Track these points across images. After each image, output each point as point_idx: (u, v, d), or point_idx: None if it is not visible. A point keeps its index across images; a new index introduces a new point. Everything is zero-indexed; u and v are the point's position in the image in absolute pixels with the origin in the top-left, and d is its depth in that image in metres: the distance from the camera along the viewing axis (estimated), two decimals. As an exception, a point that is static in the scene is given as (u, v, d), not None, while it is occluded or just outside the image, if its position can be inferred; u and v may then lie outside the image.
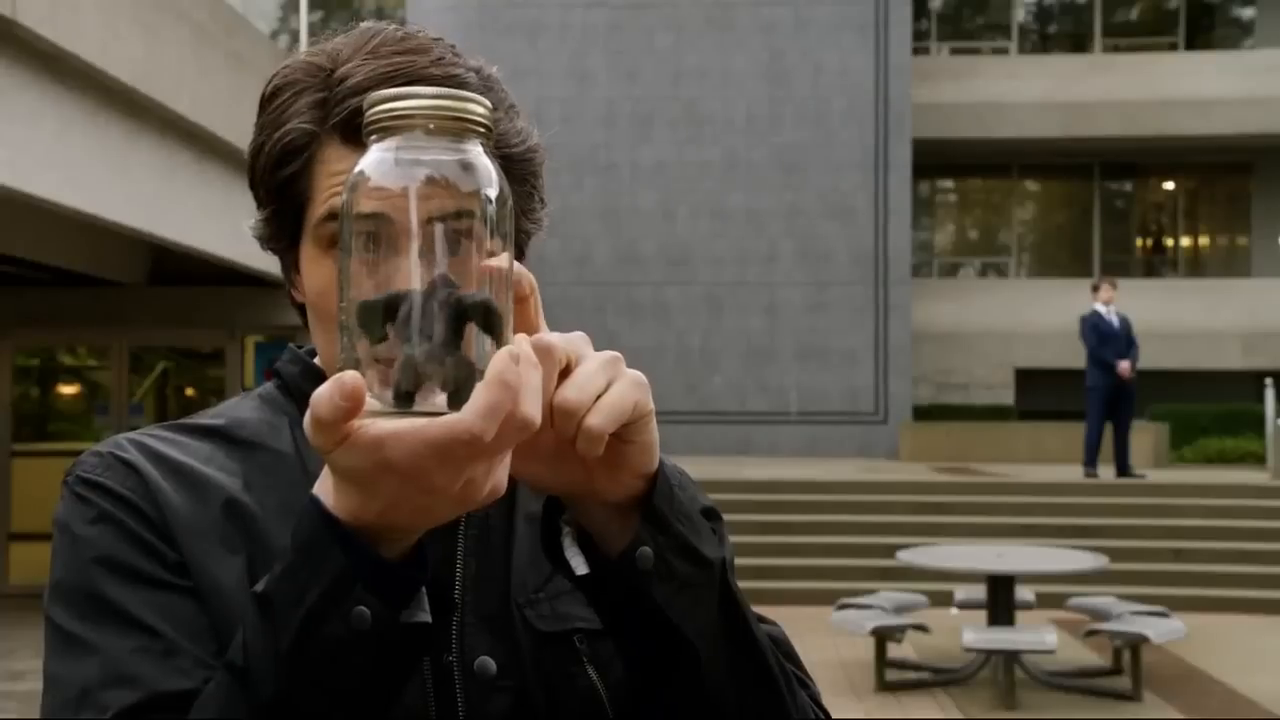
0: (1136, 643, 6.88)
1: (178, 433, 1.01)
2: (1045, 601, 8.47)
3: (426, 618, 0.78)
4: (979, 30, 21.85)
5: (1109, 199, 21.62)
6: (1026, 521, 10.80)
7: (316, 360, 1.05)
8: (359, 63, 0.93)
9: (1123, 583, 9.37)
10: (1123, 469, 11.96)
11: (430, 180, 0.68)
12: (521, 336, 0.73)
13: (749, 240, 17.94)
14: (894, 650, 7.48)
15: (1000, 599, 7.31)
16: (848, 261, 17.90)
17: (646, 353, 17.84)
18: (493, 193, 0.70)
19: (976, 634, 6.93)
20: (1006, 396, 19.01)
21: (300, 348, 1.09)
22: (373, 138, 0.70)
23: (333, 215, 0.92)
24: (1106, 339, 11.35)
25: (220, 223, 9.47)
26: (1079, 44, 21.41)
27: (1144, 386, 16.44)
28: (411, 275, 0.68)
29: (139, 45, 7.88)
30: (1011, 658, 6.87)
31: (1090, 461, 11.90)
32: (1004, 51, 21.09)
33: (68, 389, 14.30)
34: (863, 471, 13.40)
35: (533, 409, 0.70)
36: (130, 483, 0.94)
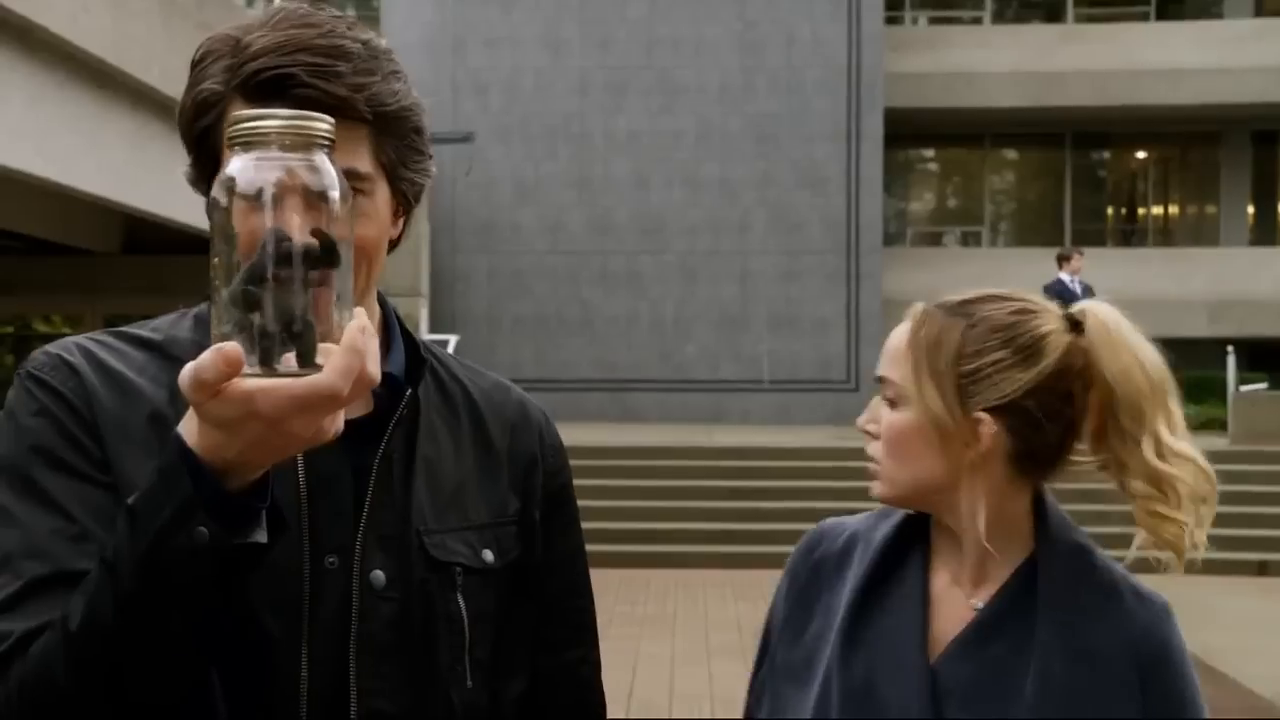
0: (1081, 601, 7.12)
1: (121, 340, 1.17)
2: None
3: (262, 538, 0.94)
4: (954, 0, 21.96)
5: (1080, 169, 21.82)
6: (987, 486, 11.02)
7: None
8: (261, 34, 1.09)
9: (1078, 545, 9.60)
10: (1083, 435, 12.18)
11: (282, 182, 0.84)
12: (361, 310, 0.89)
13: (722, 209, 18.08)
14: (851, 610, 7.70)
15: (953, 559, 7.52)
16: (820, 231, 18.07)
17: (620, 321, 18.01)
18: (335, 192, 0.85)
19: (927, 593, 7.15)
20: (977, 364, 19.23)
21: None
22: (236, 149, 0.85)
23: None
24: (1068, 308, 11.53)
25: (192, 192, 9.54)
26: (1052, 13, 21.53)
27: (1111, 354, 16.62)
28: (268, 260, 0.83)
29: (108, 17, 7.97)
30: (961, 616, 7.09)
31: (1052, 427, 12.10)
32: (979, 21, 21.20)
33: (43, 357, 14.39)
34: (831, 438, 13.60)
35: (375, 370, 0.87)
36: (71, 384, 1.11)
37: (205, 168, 1.15)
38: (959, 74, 19.38)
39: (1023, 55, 19.60)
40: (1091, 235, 20.90)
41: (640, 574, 9.85)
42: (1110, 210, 22.36)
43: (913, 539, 1.44)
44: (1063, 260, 11.90)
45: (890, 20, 19.72)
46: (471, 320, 17.46)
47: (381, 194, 1.14)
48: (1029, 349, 1.35)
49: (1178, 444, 1.37)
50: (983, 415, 1.34)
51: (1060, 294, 12.35)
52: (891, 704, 1.34)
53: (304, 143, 0.85)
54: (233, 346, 0.82)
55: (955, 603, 1.40)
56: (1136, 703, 1.32)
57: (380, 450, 1.15)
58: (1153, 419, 1.36)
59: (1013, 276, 16.58)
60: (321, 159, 0.85)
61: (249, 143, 0.84)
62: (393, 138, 1.13)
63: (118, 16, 8.12)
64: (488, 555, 1.20)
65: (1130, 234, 22.08)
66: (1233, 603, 8.63)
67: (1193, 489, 1.37)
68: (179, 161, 1.20)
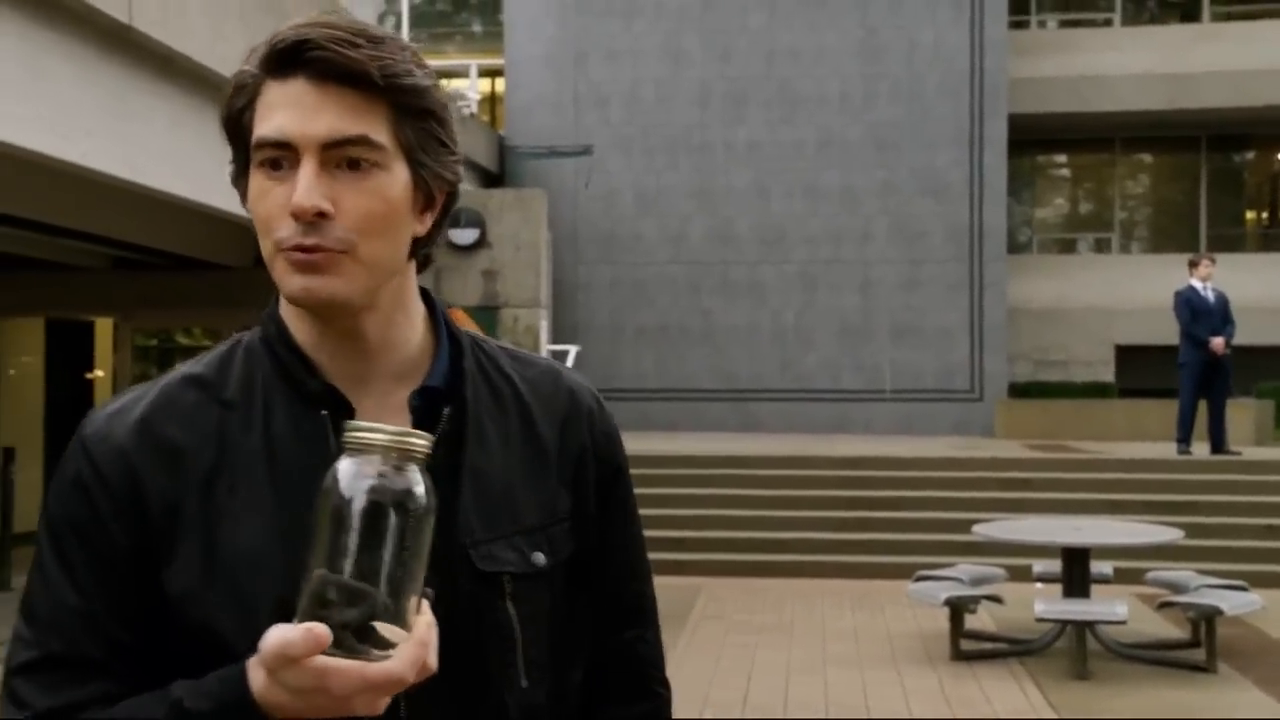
0: (1210, 615, 6.93)
1: (175, 385, 1.19)
2: (1128, 577, 8.51)
3: None
4: (1082, 2, 21.48)
5: (1217, 172, 21.14)
6: (1114, 498, 10.78)
7: (281, 309, 1.20)
8: (298, 24, 1.15)
9: (1211, 559, 9.33)
10: (1217, 446, 11.83)
11: (375, 488, 0.96)
12: (426, 605, 1.00)
13: (843, 218, 18.00)
14: (971, 622, 7.60)
15: (1075, 572, 7.38)
16: (943, 239, 17.86)
17: (741, 330, 18.04)
18: (419, 490, 0.98)
19: (1047, 605, 7.03)
20: (1106, 374, 18.80)
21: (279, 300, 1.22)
22: (346, 452, 0.98)
23: (262, 142, 1.13)
24: (1200, 315, 11.23)
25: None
26: (1188, 13, 20.92)
27: (1254, 363, 16.12)
28: (351, 560, 0.95)
29: (243, 44, 8.24)
30: (1083, 628, 6.96)
31: (1183, 438, 11.80)
32: (1109, 23, 20.72)
33: (185, 368, 14.98)
34: (953, 449, 13.44)
35: (434, 660, 1.00)
36: (111, 460, 1.13)
37: (240, 155, 1.17)
38: (1087, 78, 18.97)
39: (1155, 57, 19.11)
40: (1229, 240, 20.24)
41: (758, 583, 9.88)
42: (1249, 214, 21.62)
43: None
44: (1192, 266, 11.60)
45: (1015, 25, 19.41)
46: (594, 330, 17.66)
47: (399, 174, 1.14)
48: None
49: None
50: None
51: (1190, 300, 12.00)
52: None
53: (404, 455, 0.98)
54: (323, 629, 0.94)
55: None
56: None
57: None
58: None
59: (1144, 283, 16.12)
60: (414, 469, 0.99)
61: (357, 450, 0.98)
62: (411, 118, 1.13)
63: (252, 42, 8.44)
64: (539, 558, 1.20)
65: (1271, 238, 21.32)
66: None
67: None
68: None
